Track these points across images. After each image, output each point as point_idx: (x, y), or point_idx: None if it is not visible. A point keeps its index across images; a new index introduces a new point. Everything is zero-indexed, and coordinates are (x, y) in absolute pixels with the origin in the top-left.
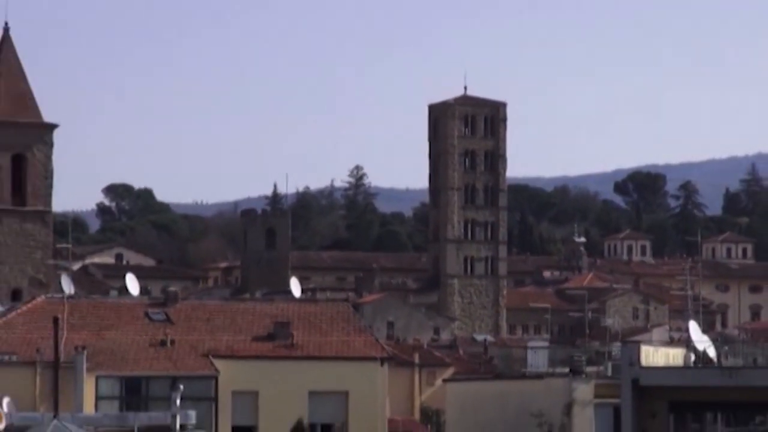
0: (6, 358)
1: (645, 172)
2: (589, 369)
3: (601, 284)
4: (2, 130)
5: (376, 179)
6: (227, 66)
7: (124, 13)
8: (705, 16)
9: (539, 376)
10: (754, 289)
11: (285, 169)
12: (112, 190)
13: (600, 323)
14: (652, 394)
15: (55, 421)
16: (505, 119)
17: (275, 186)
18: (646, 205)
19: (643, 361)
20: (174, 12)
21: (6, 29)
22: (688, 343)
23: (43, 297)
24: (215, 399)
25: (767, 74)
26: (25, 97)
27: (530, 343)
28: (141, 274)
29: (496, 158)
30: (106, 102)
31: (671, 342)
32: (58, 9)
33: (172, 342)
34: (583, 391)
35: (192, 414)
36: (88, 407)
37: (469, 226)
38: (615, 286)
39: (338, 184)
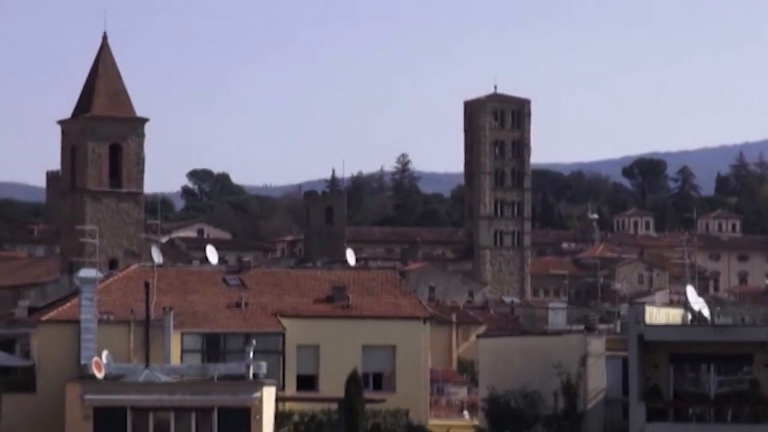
0: (105, 317)
1: (648, 159)
2: (601, 326)
3: (611, 254)
4: (101, 123)
5: (419, 165)
6: (298, 69)
7: (203, 18)
8: (704, 16)
9: (558, 333)
10: (742, 258)
11: (342, 156)
12: (194, 175)
13: (610, 287)
14: (655, 348)
15: (146, 371)
16: (529, 113)
17: (333, 171)
18: (650, 187)
19: (647, 320)
20: (247, 11)
21: (104, 38)
22: (685, 305)
23: (136, 266)
24: (282, 352)
25: (753, 73)
26: (120, 96)
27: (551, 305)
28: (219, 246)
29: (521, 147)
30: (189, 98)
31: (671, 303)
32: (146, 19)
33: (246, 304)
34: (596, 345)
35: (263, 365)
36: (174, 359)
37: (499, 205)
38: (623, 256)
39: (387, 169)
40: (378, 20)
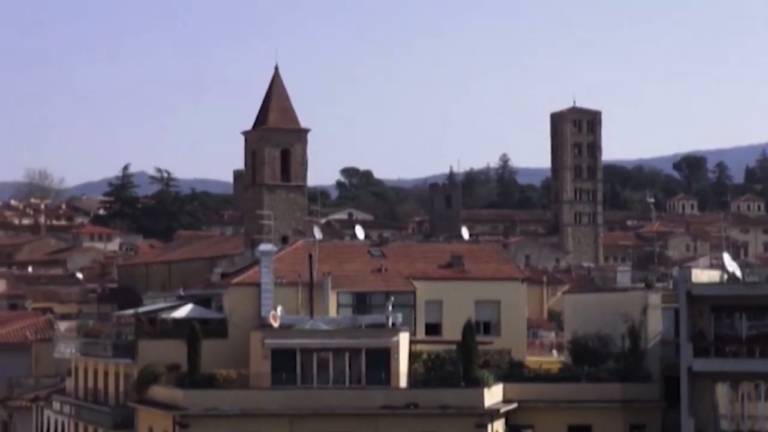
0: (279, 281)
1: (692, 156)
2: (658, 285)
3: (665, 229)
4: (274, 133)
5: (517, 162)
6: (426, 89)
7: (355, 47)
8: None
9: (625, 290)
10: (766, 232)
11: (457, 156)
12: (345, 171)
13: (664, 255)
14: (699, 300)
15: (311, 321)
16: (600, 121)
17: (451, 167)
18: (694, 177)
19: (693, 279)
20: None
21: (276, 68)
22: (722, 267)
23: (301, 241)
24: (414, 306)
25: None
26: (288, 112)
27: (618, 268)
28: (364, 225)
29: (594, 147)
30: (342, 111)
31: (711, 267)
32: (308, 51)
33: (385, 269)
34: (654, 299)
35: (399, 316)
36: (332, 312)
37: (578, 192)
38: (674, 230)
39: (492, 165)
40: (490, 50)
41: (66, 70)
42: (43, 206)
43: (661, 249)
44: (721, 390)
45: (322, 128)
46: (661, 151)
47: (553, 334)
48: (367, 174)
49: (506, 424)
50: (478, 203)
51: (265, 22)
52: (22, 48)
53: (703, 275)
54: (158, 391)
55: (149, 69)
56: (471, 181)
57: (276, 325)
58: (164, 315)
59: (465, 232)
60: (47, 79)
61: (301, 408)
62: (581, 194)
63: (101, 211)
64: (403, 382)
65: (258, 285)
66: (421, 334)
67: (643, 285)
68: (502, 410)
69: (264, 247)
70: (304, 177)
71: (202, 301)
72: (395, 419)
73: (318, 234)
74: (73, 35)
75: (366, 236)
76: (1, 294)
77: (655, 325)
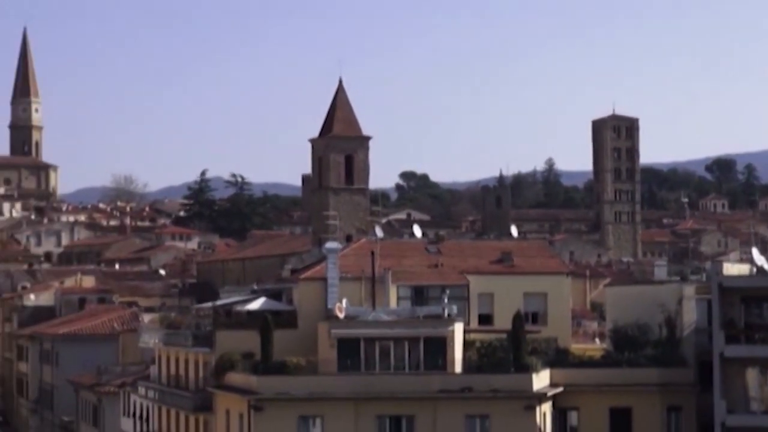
0: (344, 275)
1: (723, 158)
2: (692, 278)
3: (698, 227)
4: (339, 141)
5: (561, 165)
6: (484, 93)
7: (416, 66)
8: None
9: (661, 282)
10: None
11: (507, 160)
12: (404, 175)
13: (697, 250)
14: (730, 292)
15: (373, 312)
16: (638, 128)
17: (501, 171)
18: (724, 179)
19: (724, 272)
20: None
21: (340, 81)
22: (751, 261)
23: (364, 239)
24: (467, 298)
25: None
26: (352, 121)
27: (656, 263)
28: (421, 225)
29: (632, 152)
30: (400, 120)
31: (741, 261)
32: (371, 64)
33: (441, 264)
34: (689, 290)
35: (454, 307)
36: (392, 304)
37: (617, 193)
38: (706, 228)
39: (539, 168)
40: (537, 63)
41: (150, 84)
42: (128, 209)
43: (695, 245)
44: (751, 374)
45: (383, 135)
46: (694, 155)
47: (595, 324)
48: (424, 177)
49: (553, 406)
50: (525, 204)
51: (330, 36)
52: (112, 64)
53: (733, 269)
54: (234, 377)
55: (225, 82)
56: (519, 183)
57: (341, 316)
58: (239, 307)
59: (514, 230)
60: (133, 91)
61: (365, 392)
62: (621, 195)
63: (181, 213)
64: (458, 368)
65: (325, 280)
66: (474, 324)
67: (678, 278)
68: (549, 394)
69: (330, 245)
70: (366, 180)
71: (274, 295)
72: (451, 402)
73: (379, 233)
74: (158, 52)
75: (423, 234)
76: (91, 289)
77: (690, 314)
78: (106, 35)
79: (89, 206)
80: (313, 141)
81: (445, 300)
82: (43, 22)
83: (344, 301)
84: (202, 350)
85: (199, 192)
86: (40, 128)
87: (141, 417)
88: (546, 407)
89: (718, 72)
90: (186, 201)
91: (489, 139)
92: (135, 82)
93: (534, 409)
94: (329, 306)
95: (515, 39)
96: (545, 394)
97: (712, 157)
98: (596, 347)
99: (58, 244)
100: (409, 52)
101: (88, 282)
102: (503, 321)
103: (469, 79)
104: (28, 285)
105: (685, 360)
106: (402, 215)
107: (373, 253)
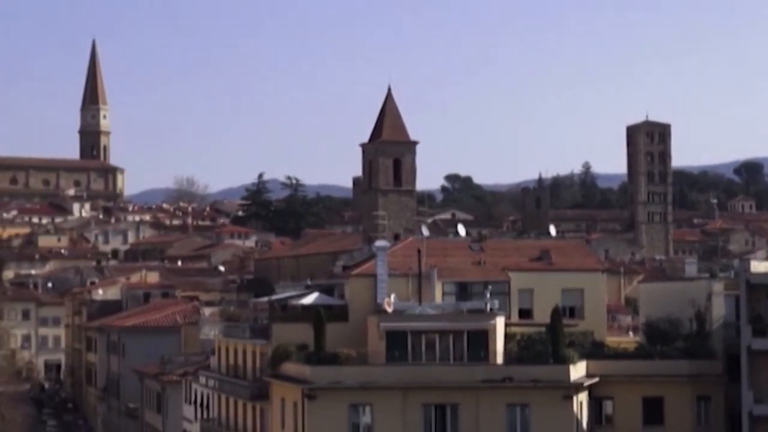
0: (392, 272)
1: (751, 162)
2: (721, 275)
3: (726, 226)
4: (388, 146)
5: (597, 168)
6: (524, 100)
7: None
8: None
9: (692, 279)
10: None
11: (546, 163)
12: (449, 177)
13: (726, 249)
14: (757, 288)
15: (420, 307)
16: (670, 133)
17: (540, 173)
18: (752, 181)
19: (752, 270)
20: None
21: (389, 90)
22: None
23: (411, 238)
24: (508, 294)
25: None
26: (399, 127)
27: (686, 260)
28: (465, 224)
29: (665, 156)
30: (445, 126)
31: (767, 258)
32: (417, 73)
33: (484, 262)
34: (718, 287)
35: (496, 302)
36: (437, 299)
37: (650, 194)
38: (734, 227)
39: (576, 171)
40: (575, 70)
41: (211, 92)
42: (190, 209)
43: (723, 244)
44: None
45: (429, 140)
46: (723, 159)
47: (629, 318)
48: (468, 179)
49: (589, 396)
50: (563, 204)
51: (379, 45)
52: (175, 74)
53: (760, 266)
54: (289, 367)
55: (281, 91)
56: (558, 185)
57: (390, 310)
58: (294, 302)
59: (552, 230)
60: (196, 99)
61: (412, 381)
62: (654, 196)
63: (240, 213)
64: (499, 359)
65: (374, 276)
66: (514, 317)
67: (707, 275)
68: (586, 384)
69: (379, 243)
70: (413, 182)
71: (327, 290)
72: (493, 391)
73: (425, 232)
74: (216, 65)
75: (467, 233)
76: (155, 285)
77: (719, 309)
78: (169, 46)
79: (153, 206)
80: (363, 146)
81: (488, 295)
82: (110, 35)
83: (392, 296)
84: (259, 342)
85: (257, 193)
86: (107, 133)
87: (201, 404)
88: (582, 396)
89: (746, 80)
90: (244, 202)
91: (529, 144)
92: (197, 90)
93: (571, 398)
94: (378, 301)
95: (554, 50)
96: (582, 384)
97: (740, 160)
98: (630, 340)
99: (125, 242)
100: (454, 62)
101: (153, 278)
102: (542, 315)
103: (511, 88)
104: (97, 280)
105: (714, 353)
106: (447, 215)
107: (419, 251)
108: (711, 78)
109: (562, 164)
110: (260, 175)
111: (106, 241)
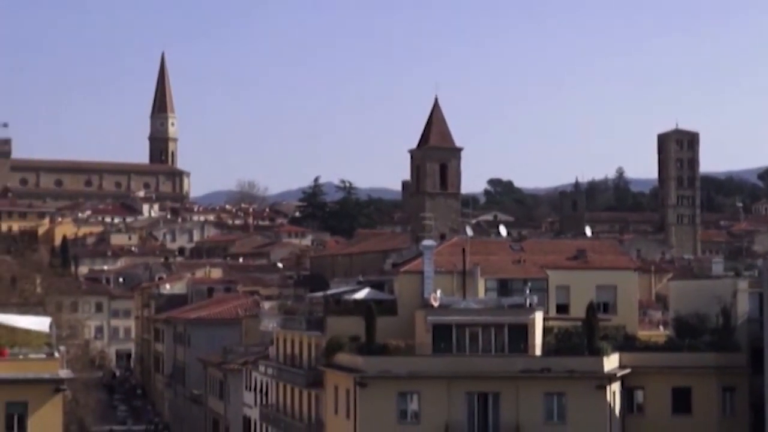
0: (438, 269)
1: None
2: (746, 273)
3: (751, 228)
4: (435, 151)
5: (630, 173)
6: (563, 110)
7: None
8: None
9: (718, 277)
10: None
11: (581, 168)
12: (491, 181)
13: (751, 249)
14: None
15: (464, 302)
16: (698, 141)
17: (576, 178)
18: None
19: None
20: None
21: (436, 100)
22: None
23: (456, 238)
24: (547, 290)
25: None
26: (445, 134)
27: (713, 260)
28: (506, 225)
29: (693, 162)
30: (488, 132)
31: None
32: (464, 84)
33: (523, 261)
34: (742, 285)
35: (535, 298)
36: (480, 295)
37: (680, 198)
38: (759, 229)
39: (610, 176)
40: (609, 83)
41: (270, 100)
42: (251, 210)
43: (748, 244)
44: None
45: (474, 146)
46: (747, 164)
47: (659, 313)
48: (509, 183)
49: (621, 386)
50: (598, 207)
51: (427, 59)
52: (237, 83)
53: None
54: (342, 357)
55: (333, 100)
56: (593, 189)
57: (436, 305)
58: (347, 297)
59: (588, 231)
60: (255, 106)
61: (456, 371)
62: (682, 200)
63: (297, 214)
64: (538, 351)
65: (421, 273)
66: (552, 312)
67: (733, 273)
68: (618, 374)
69: (426, 242)
70: (458, 186)
71: (377, 286)
72: (532, 381)
73: (469, 232)
74: (275, 76)
75: (508, 234)
76: (218, 280)
77: (743, 305)
78: (232, 59)
79: (217, 207)
80: (412, 151)
81: (527, 291)
82: (178, 48)
83: (438, 291)
84: (314, 333)
85: (313, 195)
86: (175, 140)
87: (261, 391)
88: (615, 386)
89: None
90: (301, 203)
91: (567, 150)
92: (258, 99)
93: (605, 388)
94: (425, 296)
95: (590, 65)
96: (615, 374)
97: (764, 166)
98: (660, 334)
99: (190, 240)
100: (497, 76)
101: (216, 273)
102: (578, 310)
103: (550, 98)
104: (164, 276)
105: (739, 346)
106: (489, 217)
107: (464, 250)
108: (736, 88)
109: (598, 169)
110: (316, 179)
111: (173, 240)
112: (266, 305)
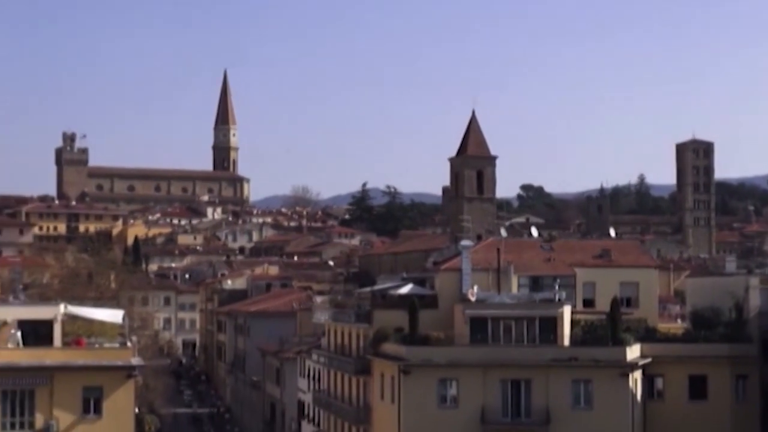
0: (475, 267)
1: None
2: (757, 271)
3: (762, 230)
4: (472, 160)
5: (650, 180)
6: (590, 120)
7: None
8: None
9: (731, 274)
10: None
11: (605, 176)
12: (524, 187)
13: (762, 248)
14: None
15: (498, 297)
16: (713, 150)
17: (601, 184)
18: None
19: None
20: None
21: (473, 113)
22: None
23: (491, 238)
24: (574, 286)
25: None
26: (482, 144)
27: (727, 258)
28: (537, 227)
29: (708, 169)
30: (520, 143)
31: None
32: (499, 98)
33: (553, 259)
34: (754, 281)
35: (563, 293)
36: (513, 290)
37: (696, 202)
38: None
39: (632, 182)
40: (634, 95)
41: (323, 110)
42: (305, 213)
43: (759, 244)
44: None
45: (508, 154)
46: (759, 171)
47: (677, 307)
48: (540, 189)
49: (643, 373)
50: (621, 210)
51: (464, 72)
52: (294, 98)
53: None
54: (388, 347)
55: (381, 111)
56: (616, 194)
57: (473, 299)
58: (392, 292)
59: (612, 232)
60: (309, 118)
61: (492, 360)
62: (699, 204)
63: (346, 216)
64: (566, 342)
65: (460, 270)
66: (579, 306)
67: (745, 271)
68: (640, 363)
69: (464, 242)
70: (493, 191)
71: (420, 282)
72: (560, 369)
73: (503, 233)
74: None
75: (539, 235)
76: (275, 276)
77: (755, 300)
78: (288, 75)
79: (274, 211)
80: (451, 159)
81: (556, 287)
82: (240, 65)
83: (475, 287)
84: (362, 325)
85: (361, 200)
86: (236, 149)
87: (314, 378)
88: (637, 374)
89: None
90: (350, 207)
91: (593, 159)
92: (312, 111)
93: (627, 375)
94: (463, 291)
95: (613, 80)
96: (636, 363)
97: None
98: (678, 326)
99: (250, 240)
100: (532, 89)
101: (273, 270)
102: (603, 305)
103: (578, 110)
104: (226, 273)
105: (751, 337)
106: (522, 219)
107: (498, 250)
108: (749, 99)
109: (621, 176)
110: (364, 185)
111: (234, 240)
112: (318, 299)
